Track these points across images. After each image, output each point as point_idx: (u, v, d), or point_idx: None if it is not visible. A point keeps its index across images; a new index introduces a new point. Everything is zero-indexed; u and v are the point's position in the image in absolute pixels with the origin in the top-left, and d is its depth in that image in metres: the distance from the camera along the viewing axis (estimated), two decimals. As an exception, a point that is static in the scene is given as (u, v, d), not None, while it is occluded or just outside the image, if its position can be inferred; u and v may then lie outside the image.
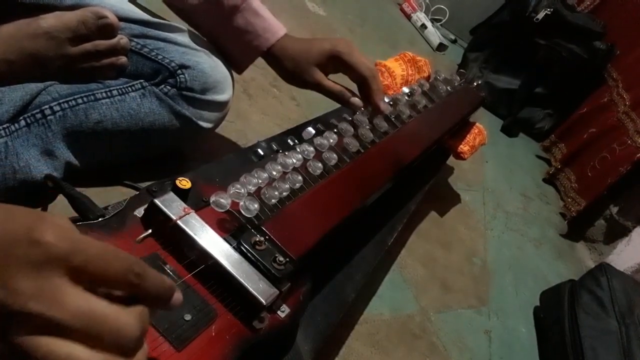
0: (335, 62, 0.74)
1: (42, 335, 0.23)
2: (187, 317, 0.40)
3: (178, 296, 0.30)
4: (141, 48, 0.71)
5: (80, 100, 0.63)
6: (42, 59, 0.57)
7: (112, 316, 0.25)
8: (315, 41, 0.75)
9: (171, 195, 0.46)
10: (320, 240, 0.54)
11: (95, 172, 0.69)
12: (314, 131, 0.71)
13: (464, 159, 1.14)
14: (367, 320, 0.82)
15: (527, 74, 1.94)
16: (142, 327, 0.26)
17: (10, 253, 0.23)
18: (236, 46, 0.76)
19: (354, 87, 0.78)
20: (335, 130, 0.70)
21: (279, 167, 0.57)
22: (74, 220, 0.38)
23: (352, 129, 0.72)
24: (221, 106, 0.77)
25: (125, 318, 0.26)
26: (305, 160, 0.61)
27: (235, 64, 0.79)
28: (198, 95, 0.73)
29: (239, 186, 0.51)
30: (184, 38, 0.74)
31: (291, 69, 0.75)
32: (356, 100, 0.74)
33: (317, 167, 0.61)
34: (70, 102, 0.62)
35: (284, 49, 0.74)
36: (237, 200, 0.50)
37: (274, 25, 0.74)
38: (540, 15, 1.83)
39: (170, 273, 0.43)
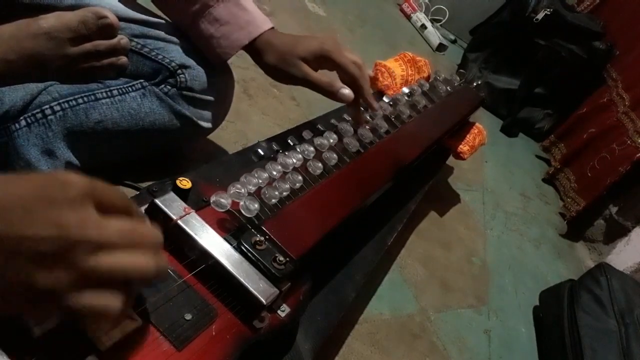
0: (321, 61, 0.71)
1: (99, 254, 0.28)
2: (188, 316, 0.40)
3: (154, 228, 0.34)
4: (141, 48, 0.71)
5: (80, 100, 0.63)
6: (42, 59, 0.58)
7: (139, 227, 0.31)
8: (302, 38, 0.72)
9: (171, 195, 0.46)
10: (320, 240, 0.54)
11: (96, 172, 0.69)
12: (313, 131, 0.71)
13: (463, 159, 1.14)
14: (367, 320, 0.82)
15: (527, 74, 1.94)
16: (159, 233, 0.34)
17: (50, 196, 0.28)
18: (216, 38, 0.71)
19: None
20: (335, 130, 0.70)
21: (279, 167, 0.57)
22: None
23: (352, 129, 0.72)
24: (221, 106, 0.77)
25: (149, 226, 0.33)
26: (306, 160, 0.62)
27: (215, 55, 0.73)
28: (198, 95, 0.73)
29: (239, 186, 0.51)
30: (184, 38, 0.74)
31: (276, 63, 0.71)
32: (347, 92, 0.70)
33: (317, 167, 0.61)
34: (70, 102, 0.62)
35: (269, 44, 0.71)
36: (238, 200, 0.50)
37: (257, 19, 0.71)
38: (540, 16, 1.83)
39: (171, 273, 0.43)
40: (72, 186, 0.28)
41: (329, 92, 0.71)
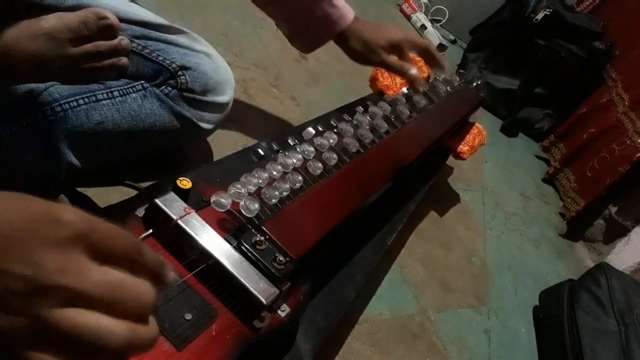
0: (396, 49, 0.89)
1: (68, 307, 0.25)
2: (188, 316, 0.41)
3: (171, 273, 0.31)
4: (142, 49, 0.71)
5: (81, 101, 0.63)
6: (43, 59, 0.58)
7: (131, 284, 0.27)
8: (381, 27, 0.90)
9: (172, 195, 0.46)
10: (321, 240, 0.54)
11: (96, 172, 0.69)
12: (314, 131, 0.71)
13: (463, 159, 1.14)
14: (367, 319, 0.82)
15: (527, 74, 1.94)
16: (154, 294, 0.29)
17: (37, 232, 0.25)
18: (312, 32, 0.87)
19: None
20: (335, 130, 0.70)
21: (279, 167, 0.57)
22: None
23: (352, 129, 0.72)
24: (222, 107, 0.77)
25: (142, 285, 0.28)
26: (306, 160, 0.62)
27: (306, 45, 0.90)
28: (199, 97, 0.73)
29: (239, 186, 0.51)
30: (184, 40, 0.74)
31: (359, 49, 0.87)
32: (414, 72, 0.88)
33: (317, 167, 0.61)
34: (71, 103, 0.62)
35: (355, 31, 0.87)
36: (238, 200, 0.50)
37: (346, 12, 0.86)
38: (540, 16, 1.83)
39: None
40: (64, 225, 0.26)
41: (401, 72, 0.89)
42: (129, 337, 0.27)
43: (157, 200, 0.44)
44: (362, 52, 0.87)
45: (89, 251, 0.26)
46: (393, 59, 0.89)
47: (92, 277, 0.26)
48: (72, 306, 0.25)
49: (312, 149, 0.63)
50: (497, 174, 1.61)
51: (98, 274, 0.26)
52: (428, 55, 0.94)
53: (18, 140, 0.59)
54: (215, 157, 0.89)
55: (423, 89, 0.93)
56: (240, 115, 1.02)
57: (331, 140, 0.67)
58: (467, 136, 1.13)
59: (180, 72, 0.71)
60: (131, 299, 0.27)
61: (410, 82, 0.90)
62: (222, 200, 0.49)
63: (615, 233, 1.52)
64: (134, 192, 0.49)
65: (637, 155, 1.51)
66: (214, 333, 0.41)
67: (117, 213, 0.45)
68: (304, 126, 0.72)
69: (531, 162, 1.89)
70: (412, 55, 1.07)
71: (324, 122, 0.75)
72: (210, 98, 0.74)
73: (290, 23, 0.88)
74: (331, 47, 0.92)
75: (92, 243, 0.26)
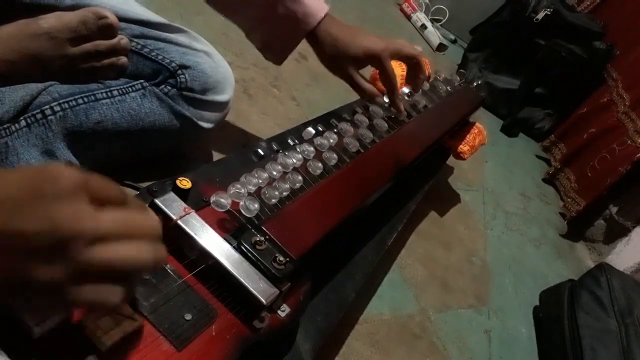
0: (371, 59, 0.78)
1: (95, 247, 0.28)
2: (188, 316, 0.40)
3: (153, 215, 0.34)
4: (141, 48, 0.71)
5: (80, 101, 0.63)
6: (42, 59, 0.58)
7: (137, 216, 0.31)
8: (358, 33, 0.77)
9: (171, 195, 0.46)
10: (320, 240, 0.54)
11: (96, 172, 0.69)
12: (314, 131, 0.71)
13: (463, 159, 1.14)
14: (367, 320, 0.82)
15: (527, 74, 1.94)
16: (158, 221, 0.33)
17: (42, 190, 0.27)
18: (278, 35, 0.76)
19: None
20: (335, 130, 0.70)
21: (279, 167, 0.57)
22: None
23: (352, 129, 0.72)
24: (221, 106, 0.77)
25: (146, 214, 0.32)
26: (305, 160, 0.62)
27: (277, 53, 0.79)
28: (198, 96, 0.73)
29: (239, 186, 0.51)
30: (184, 38, 0.74)
31: (331, 55, 0.76)
32: (380, 100, 0.81)
33: (317, 167, 0.61)
34: (70, 102, 0.62)
35: (327, 33, 0.75)
36: (238, 200, 0.50)
37: (314, 8, 0.74)
38: (540, 16, 1.83)
39: (171, 273, 0.43)
40: (63, 179, 0.28)
41: (367, 98, 0.80)
42: (153, 254, 0.31)
43: (156, 200, 0.44)
44: (333, 58, 0.77)
45: (90, 198, 0.29)
46: (362, 80, 0.79)
47: (104, 217, 0.29)
48: (97, 245, 0.28)
49: (312, 149, 0.63)
50: (497, 174, 1.61)
51: (107, 214, 0.29)
52: (413, 66, 0.84)
53: (17, 139, 0.59)
54: (215, 157, 0.89)
55: (401, 110, 0.84)
56: (240, 115, 1.02)
57: (331, 140, 0.67)
58: (468, 136, 1.13)
59: (179, 71, 0.71)
60: (143, 227, 0.31)
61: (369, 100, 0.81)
62: (222, 200, 0.49)
63: (616, 233, 1.52)
64: (133, 192, 0.49)
65: (637, 155, 1.51)
66: (213, 333, 0.41)
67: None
68: (304, 126, 0.72)
69: (532, 162, 1.89)
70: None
71: (324, 122, 0.75)
72: (210, 97, 0.74)
73: (256, 28, 0.77)
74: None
75: (91, 191, 0.29)
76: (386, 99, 0.84)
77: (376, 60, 0.77)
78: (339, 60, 0.77)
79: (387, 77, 0.79)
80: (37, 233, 0.26)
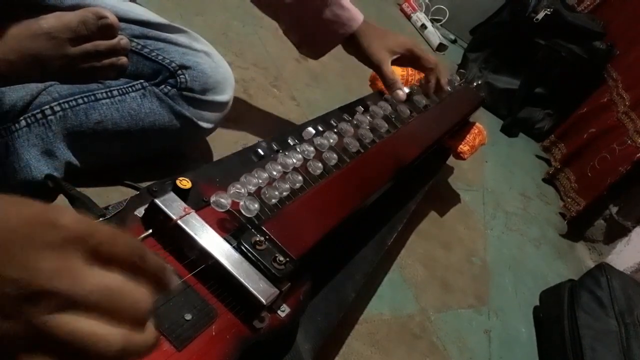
0: (406, 53, 0.89)
1: (64, 313, 0.24)
2: (188, 316, 0.40)
3: (174, 279, 0.31)
4: (141, 48, 0.71)
5: (80, 101, 0.63)
6: (42, 59, 0.57)
7: (128, 289, 0.27)
8: (390, 32, 0.90)
9: (171, 195, 0.46)
10: (321, 240, 0.54)
11: (96, 172, 0.69)
12: (314, 131, 0.71)
13: (463, 159, 1.14)
14: (367, 320, 0.82)
15: (527, 74, 1.94)
16: (152, 301, 0.28)
17: (32, 235, 0.24)
18: (322, 36, 0.86)
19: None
20: (335, 130, 0.70)
21: (279, 167, 0.57)
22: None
23: (352, 129, 0.72)
24: (221, 107, 0.77)
25: (139, 291, 0.27)
26: (306, 160, 0.62)
27: (316, 50, 0.90)
28: (198, 96, 0.73)
29: (239, 186, 0.51)
30: (184, 39, 0.74)
31: (370, 49, 0.87)
32: (400, 94, 0.86)
33: (317, 167, 0.61)
34: (70, 103, 0.62)
35: (366, 32, 0.87)
36: (238, 200, 0.50)
37: (355, 14, 0.86)
38: (540, 16, 1.83)
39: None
40: (60, 228, 0.25)
41: (389, 87, 0.87)
42: (123, 344, 0.26)
43: (156, 200, 0.44)
44: (367, 52, 0.86)
45: (87, 255, 0.26)
46: (390, 70, 0.87)
47: (87, 282, 0.25)
48: (67, 311, 0.25)
49: (312, 149, 0.63)
50: (497, 174, 1.61)
51: (93, 278, 0.25)
52: (430, 72, 0.93)
53: (17, 139, 0.59)
54: (215, 157, 0.89)
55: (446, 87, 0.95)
56: (240, 115, 1.02)
57: (331, 140, 0.67)
58: (468, 136, 1.13)
59: (179, 71, 0.71)
60: (127, 306, 0.26)
61: (393, 96, 0.88)
62: (222, 200, 0.49)
63: (616, 233, 1.52)
64: (133, 192, 0.49)
65: (637, 155, 1.51)
66: (213, 333, 0.41)
67: (116, 213, 0.45)
68: (304, 126, 0.72)
69: (532, 162, 1.89)
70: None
71: (324, 122, 0.75)
72: (210, 97, 0.74)
73: (299, 28, 0.87)
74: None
75: (90, 246, 0.26)
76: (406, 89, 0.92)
77: (411, 52, 0.89)
78: (378, 53, 0.86)
79: (423, 61, 0.90)
80: (9, 281, 0.24)
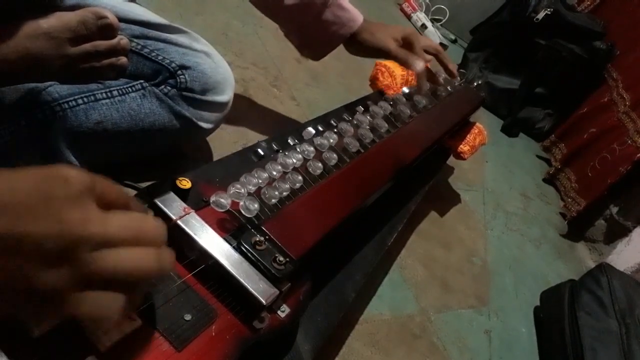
0: (405, 41, 0.90)
1: (103, 252, 0.28)
2: (187, 317, 0.40)
3: (159, 221, 0.34)
4: (141, 49, 0.71)
5: (80, 101, 0.63)
6: (42, 59, 0.58)
7: (144, 221, 0.31)
8: (389, 25, 0.92)
9: (171, 195, 0.46)
10: (320, 240, 0.54)
11: (96, 172, 0.69)
12: (314, 131, 0.71)
13: (464, 159, 1.14)
14: (367, 320, 0.82)
15: (527, 74, 1.94)
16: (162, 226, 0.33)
17: (49, 192, 0.27)
18: (323, 37, 0.87)
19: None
20: (335, 130, 0.70)
21: (279, 167, 0.57)
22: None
23: (352, 129, 0.72)
24: (221, 107, 0.77)
25: (152, 220, 0.32)
26: (306, 160, 0.62)
27: (317, 51, 0.91)
28: (198, 96, 0.73)
29: (239, 186, 0.51)
30: (184, 39, 0.74)
31: (372, 43, 0.88)
32: (422, 66, 0.88)
33: (317, 167, 0.61)
34: (70, 103, 0.62)
35: (366, 30, 0.88)
36: (237, 200, 0.50)
37: (355, 15, 0.87)
38: (540, 16, 1.83)
39: (171, 273, 0.43)
40: (73, 182, 0.27)
41: (405, 63, 0.88)
42: (159, 262, 0.30)
43: (156, 200, 0.44)
44: (370, 44, 0.88)
45: (98, 201, 0.29)
46: (400, 49, 0.89)
47: (111, 222, 0.28)
48: (105, 250, 0.28)
49: (312, 149, 0.63)
50: (497, 174, 1.60)
51: (115, 218, 0.29)
52: (438, 59, 0.95)
53: (17, 140, 0.59)
54: (215, 157, 0.89)
55: (427, 86, 0.94)
56: (240, 115, 1.02)
57: (331, 140, 0.66)
58: (468, 136, 1.13)
59: (179, 72, 0.71)
60: (149, 233, 0.31)
61: (417, 77, 0.91)
62: (222, 200, 0.48)
63: (616, 233, 1.52)
64: (133, 192, 0.49)
65: (638, 155, 1.51)
66: (213, 334, 0.41)
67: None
68: (304, 126, 0.72)
69: (532, 162, 1.89)
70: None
71: (324, 122, 0.75)
72: (209, 97, 0.74)
73: (300, 30, 0.87)
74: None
75: (98, 194, 0.29)
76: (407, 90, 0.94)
77: (409, 41, 0.90)
78: (380, 46, 0.88)
79: (427, 50, 0.91)
80: (45, 236, 0.26)
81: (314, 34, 0.87)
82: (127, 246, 0.29)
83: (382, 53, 0.89)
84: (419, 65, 0.87)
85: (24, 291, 0.27)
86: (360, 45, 0.89)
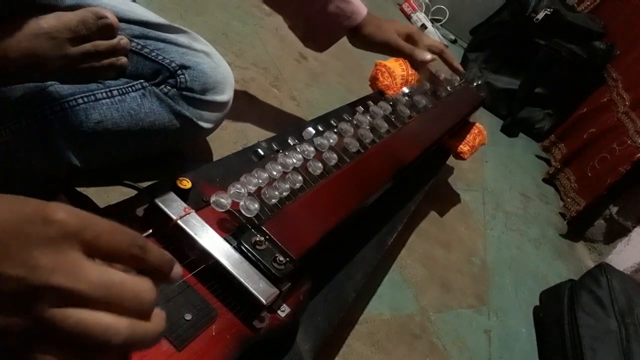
0: (409, 38, 0.91)
1: (68, 307, 0.25)
2: (188, 316, 0.40)
3: (177, 269, 0.31)
4: (141, 48, 0.71)
5: (80, 101, 0.63)
6: (42, 59, 0.57)
7: (129, 282, 0.27)
8: (392, 20, 0.94)
9: (171, 195, 0.46)
10: (321, 240, 0.54)
11: (96, 172, 0.69)
12: (314, 131, 0.71)
13: (464, 159, 1.14)
14: (367, 320, 0.82)
15: (527, 74, 1.94)
16: (155, 292, 0.28)
17: (27, 232, 0.24)
18: (326, 29, 0.89)
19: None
20: (335, 130, 0.70)
21: (279, 167, 0.57)
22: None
23: (352, 129, 0.72)
24: (221, 106, 0.77)
25: (141, 283, 0.27)
26: (306, 160, 0.62)
27: (321, 43, 0.92)
28: (198, 96, 0.73)
29: (239, 186, 0.51)
30: (184, 39, 0.74)
31: (378, 37, 0.90)
32: (429, 57, 0.89)
33: (317, 167, 0.61)
34: (70, 102, 0.62)
35: (371, 23, 0.90)
36: (238, 200, 0.50)
37: (359, 7, 0.88)
38: (540, 16, 1.83)
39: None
40: (55, 224, 0.25)
41: (410, 55, 0.89)
42: (130, 333, 0.26)
43: (156, 200, 0.44)
44: (376, 37, 0.89)
45: (85, 248, 0.26)
46: (405, 42, 0.90)
47: (86, 276, 0.25)
48: (72, 305, 0.25)
49: (312, 149, 0.63)
50: (497, 174, 1.61)
51: (93, 272, 0.25)
52: (443, 59, 0.96)
53: (17, 139, 0.59)
54: (215, 157, 0.89)
55: (462, 72, 0.98)
56: (240, 115, 1.02)
57: (331, 140, 0.67)
58: (468, 136, 1.13)
59: (179, 71, 0.71)
60: (130, 298, 0.26)
61: (419, 73, 0.93)
62: (222, 200, 0.48)
63: (616, 233, 1.52)
64: (133, 192, 0.49)
65: (637, 155, 1.51)
66: (214, 333, 0.41)
67: (116, 213, 0.45)
68: (304, 126, 0.72)
69: (532, 162, 1.89)
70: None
71: (324, 122, 0.75)
72: (209, 97, 0.74)
73: (304, 22, 0.89)
74: (332, 46, 0.92)
75: (87, 240, 0.26)
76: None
77: (414, 36, 0.91)
78: (382, 38, 0.89)
79: (430, 48, 0.91)
80: (8, 277, 0.24)
81: (318, 26, 0.88)
82: (99, 307, 0.25)
83: (387, 46, 0.90)
84: (426, 55, 0.88)
85: None
86: (365, 38, 0.90)
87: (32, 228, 0.25)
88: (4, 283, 0.24)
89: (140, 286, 0.27)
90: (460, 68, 1.00)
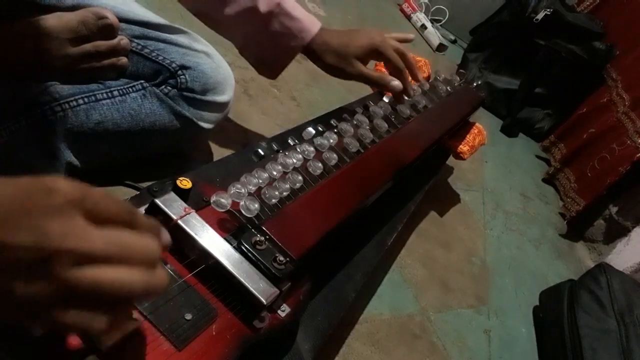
0: (371, 55, 0.79)
1: (84, 267, 0.26)
2: (188, 316, 0.40)
3: (166, 235, 0.33)
4: (142, 49, 0.71)
5: (81, 101, 0.63)
6: (42, 59, 0.58)
7: (135, 238, 0.29)
8: (352, 34, 0.79)
9: (172, 195, 0.46)
10: (321, 240, 0.54)
11: (96, 172, 0.69)
12: (314, 131, 0.71)
13: (463, 159, 1.14)
14: (367, 320, 0.82)
15: (527, 74, 1.94)
16: (158, 244, 0.31)
17: (32, 202, 0.26)
18: (273, 50, 0.79)
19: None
20: (335, 130, 0.70)
21: (279, 167, 0.57)
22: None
23: (352, 129, 0.72)
24: (221, 107, 0.77)
25: (145, 238, 0.30)
26: (306, 160, 0.62)
27: (271, 68, 0.82)
28: (198, 96, 0.73)
29: (239, 186, 0.51)
30: (184, 39, 0.74)
31: (333, 63, 0.79)
32: (396, 84, 0.79)
33: (317, 167, 0.61)
34: (71, 103, 0.62)
35: (324, 44, 0.78)
36: (238, 200, 0.50)
37: (308, 24, 0.77)
38: (540, 16, 1.83)
39: (171, 272, 0.43)
40: (57, 193, 0.26)
41: (382, 85, 0.80)
42: (146, 282, 0.29)
43: (157, 200, 0.44)
44: (337, 65, 0.79)
45: (86, 215, 0.27)
46: (372, 71, 0.80)
47: (96, 237, 0.27)
48: (86, 265, 0.27)
49: (312, 149, 0.63)
50: (497, 174, 1.61)
51: (100, 234, 0.27)
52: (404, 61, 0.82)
53: (18, 139, 0.59)
54: (215, 157, 0.89)
55: (410, 95, 0.85)
56: (240, 115, 1.02)
57: (331, 140, 0.67)
58: (468, 136, 1.13)
59: (180, 72, 0.71)
60: (138, 251, 0.29)
61: (393, 95, 0.82)
62: (222, 200, 0.49)
63: (616, 233, 1.52)
64: (134, 192, 0.49)
65: (637, 156, 1.51)
66: (214, 333, 0.41)
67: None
68: (304, 126, 0.72)
69: (531, 162, 1.89)
70: (412, 55, 1.06)
71: (324, 122, 0.75)
72: (210, 97, 0.74)
73: (248, 44, 0.79)
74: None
75: (87, 208, 0.27)
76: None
77: (377, 52, 0.79)
78: (343, 64, 0.78)
79: (393, 64, 0.80)
80: (21, 247, 0.25)
81: (263, 48, 0.79)
82: (112, 264, 0.27)
83: (344, 76, 0.80)
84: (395, 83, 0.79)
85: (5, 300, 0.26)
86: (324, 64, 0.80)
87: (37, 199, 0.26)
88: (20, 252, 0.25)
89: (145, 240, 0.30)
90: (420, 78, 0.88)
